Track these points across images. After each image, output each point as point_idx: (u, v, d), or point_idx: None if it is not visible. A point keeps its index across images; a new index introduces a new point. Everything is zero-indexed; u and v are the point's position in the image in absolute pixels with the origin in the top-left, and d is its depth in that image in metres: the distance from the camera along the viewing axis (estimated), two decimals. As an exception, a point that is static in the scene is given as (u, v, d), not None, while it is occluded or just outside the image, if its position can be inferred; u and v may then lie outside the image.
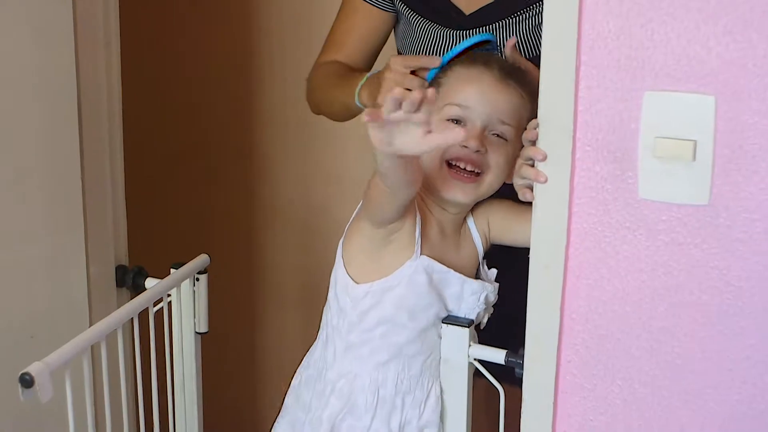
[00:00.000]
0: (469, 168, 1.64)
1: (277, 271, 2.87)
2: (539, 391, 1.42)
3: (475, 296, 1.71)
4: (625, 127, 1.28)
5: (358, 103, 1.89)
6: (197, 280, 1.97)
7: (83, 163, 1.97)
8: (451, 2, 1.96)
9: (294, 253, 2.72)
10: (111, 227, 2.07)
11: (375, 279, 1.67)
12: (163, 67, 2.87)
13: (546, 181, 1.35)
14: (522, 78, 1.69)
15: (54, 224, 1.93)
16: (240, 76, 2.82)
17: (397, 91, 1.30)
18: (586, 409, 1.39)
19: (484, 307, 1.72)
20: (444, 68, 1.72)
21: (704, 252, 1.28)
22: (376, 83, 1.82)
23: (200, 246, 2.06)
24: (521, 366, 1.47)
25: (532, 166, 1.40)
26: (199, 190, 2.91)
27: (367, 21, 2.04)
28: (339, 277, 1.72)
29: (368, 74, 1.89)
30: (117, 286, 2.07)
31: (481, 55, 1.73)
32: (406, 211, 1.61)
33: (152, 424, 1.91)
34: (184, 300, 1.97)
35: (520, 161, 1.47)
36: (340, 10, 2.08)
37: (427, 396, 1.72)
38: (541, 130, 1.34)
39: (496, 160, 1.64)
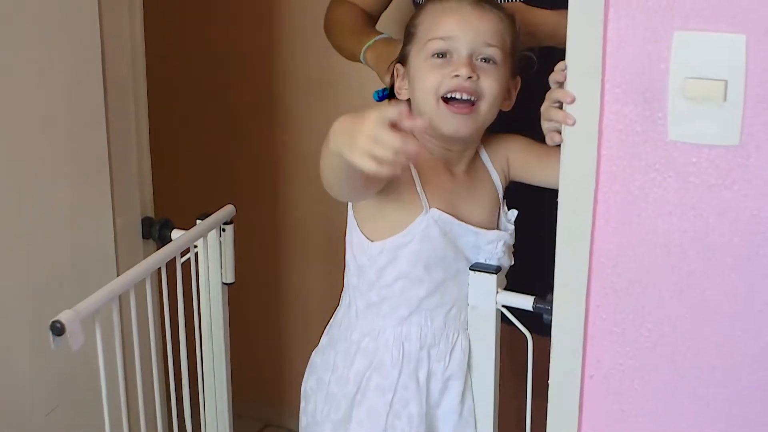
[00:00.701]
0: (464, 97, 1.62)
1: (302, 221, 2.87)
2: (568, 336, 1.42)
3: (492, 245, 1.71)
4: (654, 68, 1.26)
5: (363, 61, 1.96)
6: (223, 230, 1.97)
7: (108, 116, 1.97)
8: None
9: (319, 203, 2.71)
10: (136, 179, 2.07)
11: (388, 236, 1.67)
12: (186, 16, 2.86)
13: (574, 123, 1.33)
14: (495, 3, 1.69)
15: (79, 176, 1.93)
16: (262, 24, 2.80)
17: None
18: (615, 353, 1.39)
19: (503, 253, 1.72)
20: (414, 15, 1.72)
21: (735, 193, 1.26)
22: (382, 47, 1.90)
23: (225, 197, 2.06)
24: (549, 312, 1.47)
25: (560, 108, 1.39)
26: (224, 141, 2.90)
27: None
28: (354, 237, 1.72)
29: (377, 37, 1.94)
30: (143, 237, 2.08)
31: None
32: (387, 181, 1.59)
33: (180, 372, 1.93)
34: (211, 251, 1.98)
35: (547, 104, 1.46)
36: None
37: (452, 348, 1.72)
38: (569, 73, 1.33)
39: (488, 84, 1.64)
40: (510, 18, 1.69)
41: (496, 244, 1.70)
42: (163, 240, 2.05)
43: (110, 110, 1.96)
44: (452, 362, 1.72)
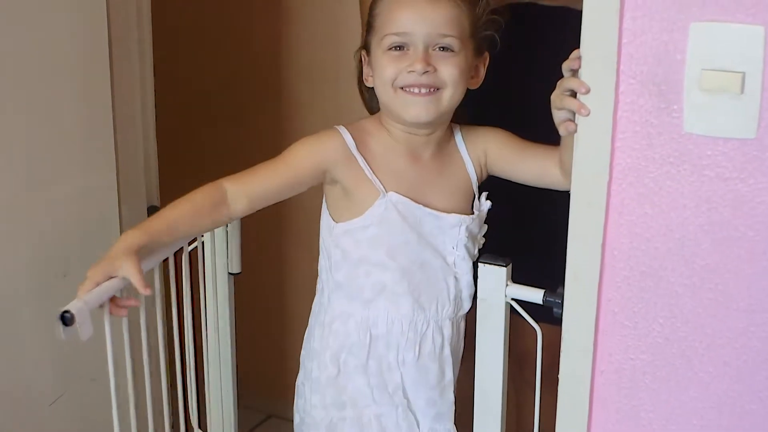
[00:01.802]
0: (423, 91, 1.63)
1: (307, 213, 2.84)
2: (579, 330, 1.40)
3: (455, 229, 1.71)
4: (670, 58, 1.24)
5: None
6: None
7: (114, 105, 1.96)
8: None
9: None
10: (143, 167, 2.07)
11: (351, 218, 1.70)
12: (193, 7, 2.85)
13: (589, 113, 1.32)
14: None
15: (86, 164, 1.92)
16: (270, 17, 2.79)
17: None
18: (627, 347, 1.37)
19: (467, 239, 1.71)
20: (373, 3, 1.70)
21: (750, 187, 1.25)
22: None
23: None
24: (560, 305, 1.45)
25: (574, 96, 1.38)
26: (231, 132, 2.89)
27: None
28: (324, 218, 1.75)
29: None
30: (149, 227, 2.06)
31: None
32: (319, 166, 1.67)
33: (186, 361, 1.92)
34: (218, 240, 1.96)
35: (558, 92, 1.44)
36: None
37: (422, 338, 1.73)
38: (583, 62, 1.31)
39: (448, 72, 1.63)
40: (470, 2, 1.66)
41: (459, 229, 1.71)
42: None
43: (117, 99, 1.96)
44: (423, 353, 1.73)
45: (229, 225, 1.96)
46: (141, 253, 1.53)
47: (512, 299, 1.66)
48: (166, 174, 2.18)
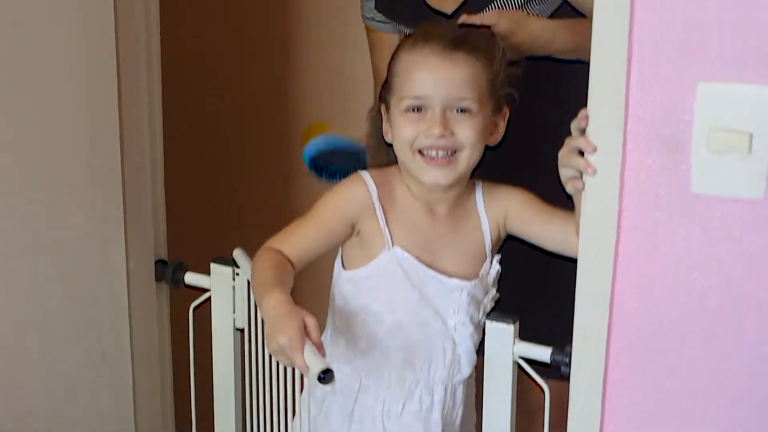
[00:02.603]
0: (440, 154, 1.62)
1: (316, 263, 2.85)
2: (587, 388, 1.39)
3: (455, 293, 1.69)
4: (678, 118, 1.24)
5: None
6: (237, 275, 1.95)
7: (123, 158, 1.96)
8: (430, 6, 1.97)
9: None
10: (150, 221, 2.06)
11: (357, 266, 1.70)
12: (198, 67, 2.87)
13: (595, 172, 1.31)
14: (470, 43, 1.65)
15: (94, 218, 1.92)
16: (279, 73, 2.81)
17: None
18: (635, 407, 1.36)
19: (468, 304, 1.69)
20: (393, 60, 1.71)
21: (759, 247, 1.24)
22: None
23: (241, 240, 2.04)
24: (567, 364, 1.44)
25: (581, 155, 1.37)
26: (238, 185, 2.90)
27: (390, 49, 2.05)
28: (336, 263, 1.75)
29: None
30: (156, 280, 2.07)
31: (421, 31, 1.70)
32: (350, 220, 1.67)
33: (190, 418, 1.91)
34: (224, 295, 1.95)
35: (566, 150, 1.44)
36: (369, 49, 2.13)
37: (408, 396, 1.71)
38: (591, 120, 1.31)
39: (466, 135, 1.63)
40: (486, 56, 1.66)
41: (460, 293, 1.69)
42: (176, 283, 2.03)
43: (126, 154, 1.96)
44: (407, 410, 1.72)
45: (236, 279, 1.95)
46: None
47: (519, 357, 1.65)
48: (176, 228, 2.17)
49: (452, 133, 1.62)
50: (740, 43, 1.19)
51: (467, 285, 1.69)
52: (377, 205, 1.67)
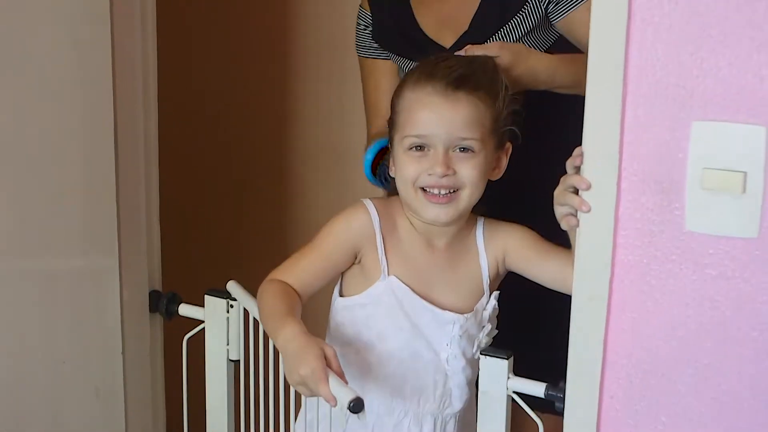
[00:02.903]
0: (442, 192, 1.63)
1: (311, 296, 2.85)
2: (580, 426, 1.39)
3: (449, 326, 1.69)
4: (672, 157, 1.25)
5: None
6: (231, 306, 1.94)
7: (118, 189, 1.96)
8: (432, 41, 1.99)
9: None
10: (145, 252, 2.06)
11: (354, 294, 1.70)
12: (197, 95, 2.88)
13: (589, 210, 1.32)
14: (474, 82, 1.65)
15: (88, 249, 1.92)
16: (274, 104, 2.82)
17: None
18: (629, 444, 1.36)
19: (460, 337, 1.68)
20: (395, 97, 1.70)
21: (753, 287, 1.24)
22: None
23: (235, 271, 2.04)
24: (562, 400, 1.44)
25: (576, 193, 1.38)
26: (234, 216, 2.90)
27: (385, 75, 2.09)
28: (335, 289, 1.75)
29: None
30: (150, 311, 2.06)
31: (424, 69, 1.69)
32: (352, 250, 1.68)
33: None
34: (218, 326, 1.95)
35: (561, 188, 1.44)
36: (362, 78, 2.13)
37: (396, 426, 1.71)
38: (586, 159, 1.31)
39: (467, 174, 1.63)
40: (489, 94, 1.66)
41: (452, 326, 1.68)
42: (170, 314, 2.03)
43: (120, 185, 1.96)
44: None
45: (229, 311, 1.94)
46: None
47: (514, 392, 1.65)
48: (170, 260, 2.17)
49: (454, 173, 1.62)
50: (734, 83, 1.20)
51: (460, 319, 1.69)
52: (378, 234, 1.68)
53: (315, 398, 1.69)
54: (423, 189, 1.64)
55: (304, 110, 2.80)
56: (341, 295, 1.73)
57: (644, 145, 1.26)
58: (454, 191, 1.63)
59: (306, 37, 2.78)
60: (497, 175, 1.71)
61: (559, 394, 1.54)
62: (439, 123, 1.62)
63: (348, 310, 1.72)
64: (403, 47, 2.03)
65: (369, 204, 1.71)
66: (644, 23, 1.23)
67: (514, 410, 1.68)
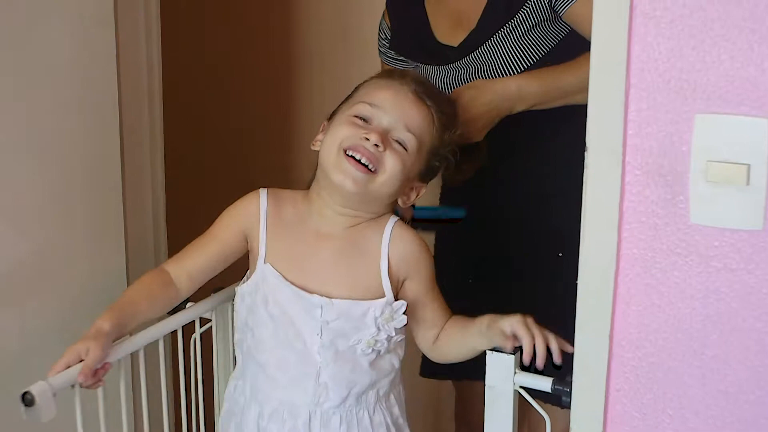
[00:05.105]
0: (363, 161, 1.64)
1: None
2: (587, 420, 1.39)
3: (317, 310, 1.67)
4: (676, 150, 1.25)
5: None
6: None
7: (124, 182, 1.97)
8: (440, 43, 2.07)
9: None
10: (152, 250, 2.07)
11: (243, 282, 1.75)
12: (201, 68, 2.89)
13: None
14: (438, 102, 1.73)
15: (95, 243, 1.93)
16: (279, 100, 2.82)
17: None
18: (636, 437, 1.36)
19: (326, 323, 1.67)
20: (364, 82, 1.78)
21: (758, 278, 1.24)
22: None
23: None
24: (568, 394, 1.44)
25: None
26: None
27: None
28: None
29: None
30: (157, 310, 2.06)
31: (399, 71, 1.85)
32: (240, 232, 1.75)
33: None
34: (225, 325, 1.96)
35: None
36: None
37: (275, 415, 1.71)
38: (589, 154, 1.31)
39: (392, 163, 1.66)
40: (441, 123, 1.72)
41: (320, 311, 1.67)
42: (176, 312, 2.03)
43: (126, 165, 1.97)
44: (287, 428, 1.72)
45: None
46: (110, 336, 1.61)
47: (521, 387, 1.65)
48: (175, 241, 2.18)
49: (384, 151, 1.64)
50: (737, 74, 1.20)
51: (327, 303, 1.67)
52: (263, 219, 1.72)
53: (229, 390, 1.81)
54: (345, 153, 1.64)
55: (311, 107, 2.80)
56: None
57: (648, 139, 1.26)
58: (373, 170, 1.64)
59: (308, 31, 2.79)
60: (403, 203, 1.75)
61: (565, 389, 1.54)
62: (395, 107, 1.67)
63: (240, 298, 1.75)
64: (416, 53, 2.09)
65: (263, 192, 1.76)
66: (646, 17, 1.23)
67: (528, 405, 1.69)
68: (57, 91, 1.80)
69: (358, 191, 1.66)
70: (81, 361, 1.55)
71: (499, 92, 1.89)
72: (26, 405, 1.45)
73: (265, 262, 1.70)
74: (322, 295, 1.67)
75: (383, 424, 1.75)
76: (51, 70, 1.78)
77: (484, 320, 1.67)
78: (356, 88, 1.78)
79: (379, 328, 1.67)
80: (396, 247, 1.72)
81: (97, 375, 1.56)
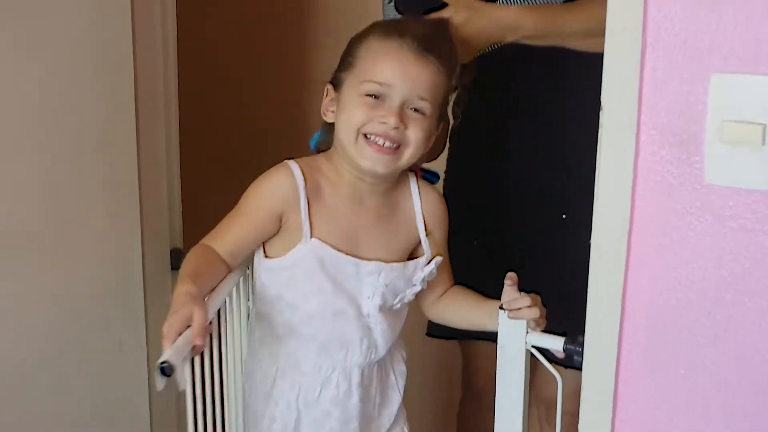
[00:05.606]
0: (387, 144, 1.64)
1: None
2: (599, 379, 1.39)
3: (372, 277, 1.71)
4: (691, 110, 1.24)
5: None
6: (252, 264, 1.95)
7: (139, 147, 1.97)
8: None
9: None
10: (166, 210, 2.08)
11: (277, 256, 1.72)
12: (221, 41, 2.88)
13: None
14: (440, 51, 1.68)
15: (110, 206, 1.94)
16: (292, 78, 2.82)
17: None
18: (647, 398, 1.36)
19: (385, 287, 1.71)
20: (356, 42, 1.72)
21: (773, 239, 1.24)
22: None
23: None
24: (580, 354, 1.45)
25: None
26: (255, 174, 2.91)
27: None
28: (257, 250, 1.76)
29: None
30: (172, 269, 2.08)
31: (395, 23, 1.76)
32: (277, 215, 1.69)
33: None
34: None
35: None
36: None
37: (325, 381, 1.73)
38: (604, 114, 1.31)
39: (414, 134, 1.66)
40: (448, 67, 1.69)
41: (377, 276, 1.71)
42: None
43: (141, 141, 1.97)
44: (324, 397, 1.74)
45: (250, 268, 1.96)
46: (202, 298, 1.56)
47: (532, 346, 1.66)
48: (191, 218, 2.18)
49: (405, 128, 1.64)
50: (753, 34, 1.19)
51: (385, 268, 1.71)
52: (302, 198, 1.68)
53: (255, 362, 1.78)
54: (365, 136, 1.64)
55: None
56: (266, 256, 1.74)
57: (663, 99, 1.25)
58: (397, 147, 1.64)
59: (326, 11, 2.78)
60: (430, 152, 1.76)
61: (577, 348, 1.55)
62: (405, 78, 1.64)
63: (271, 272, 1.73)
64: (422, 12, 2.03)
65: (294, 166, 1.71)
66: (662, -23, 1.22)
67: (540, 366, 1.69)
68: (72, 86, 1.81)
69: (389, 172, 1.69)
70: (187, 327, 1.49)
71: (496, 19, 1.83)
72: (165, 375, 1.39)
73: (311, 237, 1.69)
74: (377, 261, 1.72)
75: (400, 360, 1.85)
76: (66, 35, 1.79)
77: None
78: (353, 54, 1.71)
79: (422, 284, 1.76)
80: (428, 205, 1.78)
81: (205, 335, 1.52)
